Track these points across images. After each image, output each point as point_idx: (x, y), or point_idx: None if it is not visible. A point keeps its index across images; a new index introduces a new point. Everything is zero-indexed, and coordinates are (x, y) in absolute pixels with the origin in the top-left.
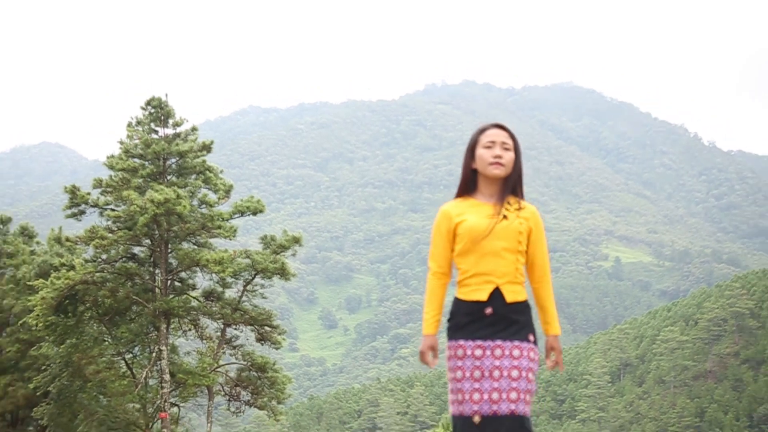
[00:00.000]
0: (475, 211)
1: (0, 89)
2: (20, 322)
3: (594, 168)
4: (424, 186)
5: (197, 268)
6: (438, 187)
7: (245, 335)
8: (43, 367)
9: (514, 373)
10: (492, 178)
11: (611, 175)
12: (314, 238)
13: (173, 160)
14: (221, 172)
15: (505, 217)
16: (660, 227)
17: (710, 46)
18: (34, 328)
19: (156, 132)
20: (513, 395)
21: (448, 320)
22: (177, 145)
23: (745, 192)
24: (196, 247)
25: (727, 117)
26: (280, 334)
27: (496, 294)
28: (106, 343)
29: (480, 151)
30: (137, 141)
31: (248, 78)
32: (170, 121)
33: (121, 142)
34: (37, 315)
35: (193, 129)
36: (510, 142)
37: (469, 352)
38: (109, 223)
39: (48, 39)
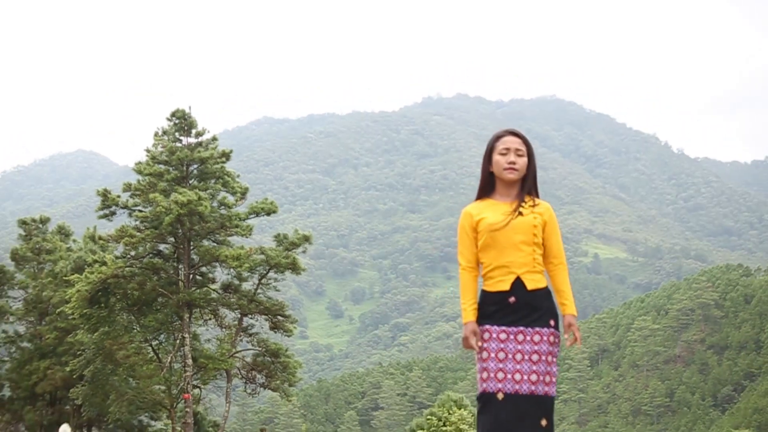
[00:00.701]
0: (493, 210)
1: (36, 99)
2: (58, 311)
3: (575, 173)
4: (422, 189)
5: (217, 264)
6: (434, 190)
7: (260, 324)
8: (79, 353)
9: (535, 357)
10: (507, 181)
11: (590, 180)
12: (322, 236)
13: (195, 166)
14: (238, 176)
15: (520, 213)
16: (635, 226)
17: (681, 63)
18: (70, 318)
19: (180, 141)
20: (533, 377)
21: (477, 310)
22: (199, 152)
23: (710, 195)
24: (215, 244)
25: (695, 127)
26: (291, 322)
27: (518, 283)
28: (135, 331)
29: (496, 157)
30: (162, 149)
31: (263, 92)
32: (193, 131)
33: (148, 150)
34: (73, 306)
35: (214, 138)
36: (523, 148)
37: (494, 336)
38: (137, 222)
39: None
